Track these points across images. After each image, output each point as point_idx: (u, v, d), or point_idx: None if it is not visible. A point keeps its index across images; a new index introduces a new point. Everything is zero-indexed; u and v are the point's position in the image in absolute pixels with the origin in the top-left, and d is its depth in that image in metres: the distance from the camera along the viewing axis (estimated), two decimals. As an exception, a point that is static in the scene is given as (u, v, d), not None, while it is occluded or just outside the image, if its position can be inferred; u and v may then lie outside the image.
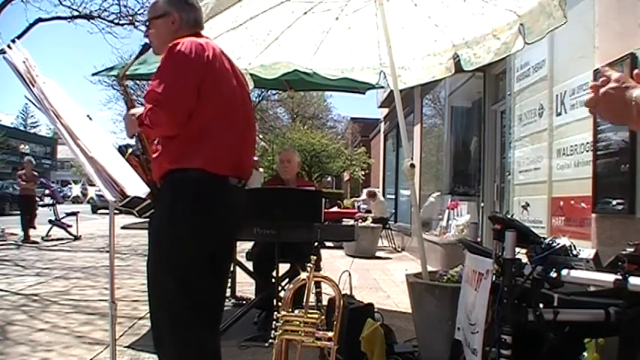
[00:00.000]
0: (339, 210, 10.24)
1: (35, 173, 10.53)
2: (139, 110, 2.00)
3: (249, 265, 4.02)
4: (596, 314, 1.82)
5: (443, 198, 7.81)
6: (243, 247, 4.77)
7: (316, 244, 3.76)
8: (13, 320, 3.91)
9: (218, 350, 2.06)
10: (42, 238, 10.09)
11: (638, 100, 1.05)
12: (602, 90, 1.11)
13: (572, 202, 3.72)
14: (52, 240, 10.11)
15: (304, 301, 2.01)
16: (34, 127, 56.76)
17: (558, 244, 1.89)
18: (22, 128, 53.74)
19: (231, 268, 4.44)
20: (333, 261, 7.49)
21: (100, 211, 21.26)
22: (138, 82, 16.28)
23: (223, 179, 1.99)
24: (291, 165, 4.12)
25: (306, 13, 3.57)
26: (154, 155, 2.03)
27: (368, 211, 10.72)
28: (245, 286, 4.72)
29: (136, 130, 2.01)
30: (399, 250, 9.90)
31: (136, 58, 2.29)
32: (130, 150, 2.25)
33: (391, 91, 4.40)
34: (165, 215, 1.98)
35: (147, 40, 2.17)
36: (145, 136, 2.11)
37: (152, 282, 2.05)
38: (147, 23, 2.16)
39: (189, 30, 2.07)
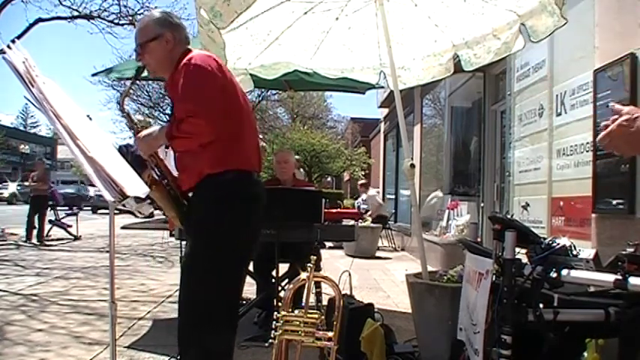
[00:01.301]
0: (339, 210, 10.23)
1: (47, 173, 10.45)
2: (154, 129, 2.11)
3: (249, 265, 4.01)
4: (596, 314, 1.82)
5: (443, 198, 7.81)
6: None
7: (316, 244, 3.76)
8: (12, 320, 3.91)
9: (232, 350, 2.13)
10: (38, 239, 10.06)
11: None
12: (615, 124, 1.16)
13: (572, 202, 3.72)
14: (52, 240, 10.10)
15: (304, 301, 2.01)
16: (34, 127, 56.82)
17: (558, 244, 1.89)
18: (22, 128, 53.78)
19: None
20: (333, 261, 7.49)
21: (100, 211, 21.27)
22: (138, 82, 16.31)
23: (253, 175, 2.15)
24: (288, 165, 4.14)
25: (306, 13, 3.57)
26: (183, 168, 2.12)
27: (368, 211, 10.71)
28: (245, 286, 4.71)
29: (159, 143, 2.10)
30: (399, 250, 9.90)
31: (133, 83, 2.32)
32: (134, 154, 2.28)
33: (391, 91, 4.39)
34: (209, 217, 2.05)
35: (140, 64, 2.21)
36: (158, 157, 2.17)
37: (188, 282, 2.10)
38: (138, 48, 2.17)
39: (181, 47, 2.16)
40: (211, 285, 2.03)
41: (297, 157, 13.17)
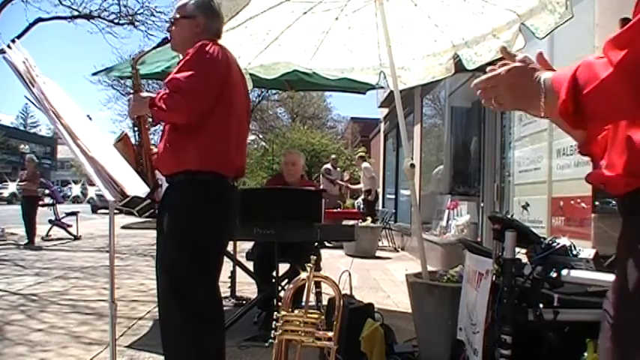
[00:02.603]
0: (340, 210, 10.25)
1: (37, 172, 9.96)
2: (150, 95, 2.14)
3: (250, 265, 4.02)
4: (596, 314, 1.81)
5: (445, 178, 7.80)
6: (243, 247, 4.77)
7: (316, 244, 3.76)
8: (11, 320, 3.90)
9: (222, 350, 2.19)
10: (42, 238, 10.06)
11: (547, 83, 0.97)
12: (505, 68, 1.02)
13: (572, 202, 3.72)
14: (52, 240, 10.09)
15: (304, 301, 2.01)
16: (34, 127, 56.80)
17: (558, 244, 1.89)
18: (22, 128, 53.79)
19: (231, 268, 4.44)
20: (333, 261, 7.48)
21: (100, 211, 21.25)
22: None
23: (228, 180, 2.18)
24: (296, 168, 4.10)
25: (305, 13, 3.57)
26: (165, 149, 2.14)
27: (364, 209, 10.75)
28: (245, 286, 4.72)
29: (145, 110, 2.13)
30: (399, 250, 9.90)
31: (154, 48, 2.44)
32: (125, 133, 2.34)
33: (391, 91, 4.39)
34: (181, 214, 2.12)
35: (167, 35, 2.30)
36: (143, 123, 2.22)
37: (168, 282, 2.16)
38: (172, 20, 2.27)
39: (210, 37, 2.20)
40: (192, 283, 2.08)
41: (333, 156, 13.14)
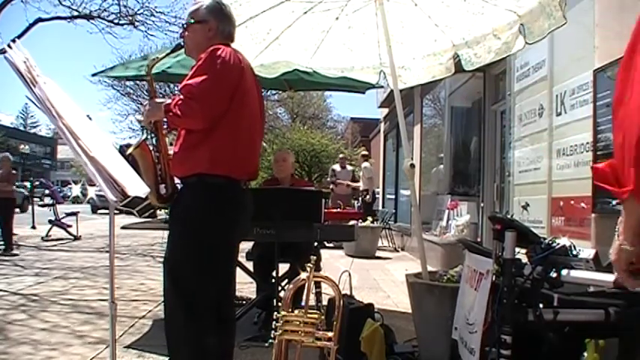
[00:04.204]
0: (340, 210, 10.23)
1: (14, 172, 8.83)
2: (165, 100, 2.15)
3: (250, 265, 4.02)
4: (596, 314, 1.82)
5: (444, 178, 7.81)
6: (243, 247, 4.76)
7: (316, 244, 3.76)
8: (13, 320, 3.91)
9: (228, 351, 2.23)
10: (42, 238, 10.06)
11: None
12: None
13: (572, 202, 3.72)
14: (52, 240, 10.09)
15: (304, 301, 2.02)
16: (34, 127, 56.76)
17: (558, 244, 1.89)
18: (22, 128, 53.75)
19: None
20: (333, 261, 7.48)
21: (99, 211, 21.25)
22: (138, 82, 16.38)
23: (240, 184, 2.20)
24: (286, 164, 4.13)
25: (306, 12, 3.57)
26: (179, 152, 2.16)
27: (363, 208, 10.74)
28: (245, 286, 4.72)
29: (161, 116, 2.13)
30: (399, 250, 9.90)
31: (167, 55, 2.45)
32: (143, 137, 2.34)
33: (391, 91, 4.39)
34: (190, 216, 2.13)
35: (181, 41, 2.31)
36: (160, 129, 2.22)
37: (175, 282, 2.16)
38: (184, 25, 2.29)
39: (222, 40, 2.22)
40: (197, 283, 2.08)
41: (341, 155, 12.85)
